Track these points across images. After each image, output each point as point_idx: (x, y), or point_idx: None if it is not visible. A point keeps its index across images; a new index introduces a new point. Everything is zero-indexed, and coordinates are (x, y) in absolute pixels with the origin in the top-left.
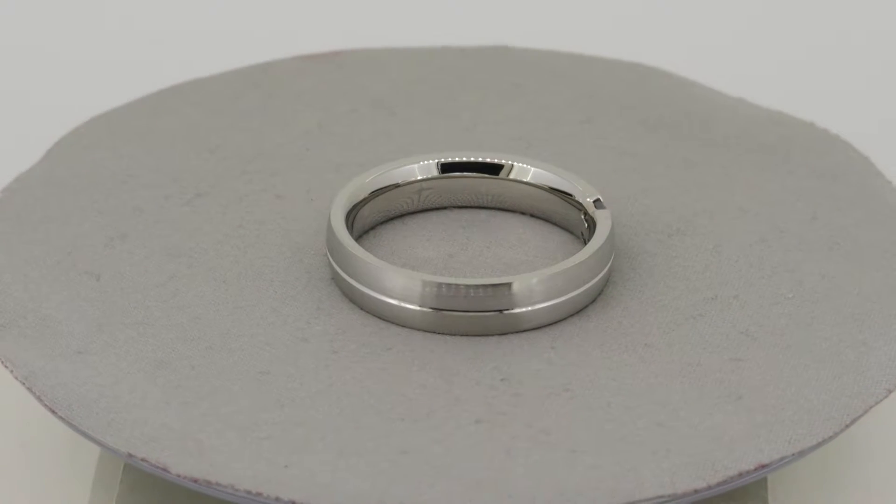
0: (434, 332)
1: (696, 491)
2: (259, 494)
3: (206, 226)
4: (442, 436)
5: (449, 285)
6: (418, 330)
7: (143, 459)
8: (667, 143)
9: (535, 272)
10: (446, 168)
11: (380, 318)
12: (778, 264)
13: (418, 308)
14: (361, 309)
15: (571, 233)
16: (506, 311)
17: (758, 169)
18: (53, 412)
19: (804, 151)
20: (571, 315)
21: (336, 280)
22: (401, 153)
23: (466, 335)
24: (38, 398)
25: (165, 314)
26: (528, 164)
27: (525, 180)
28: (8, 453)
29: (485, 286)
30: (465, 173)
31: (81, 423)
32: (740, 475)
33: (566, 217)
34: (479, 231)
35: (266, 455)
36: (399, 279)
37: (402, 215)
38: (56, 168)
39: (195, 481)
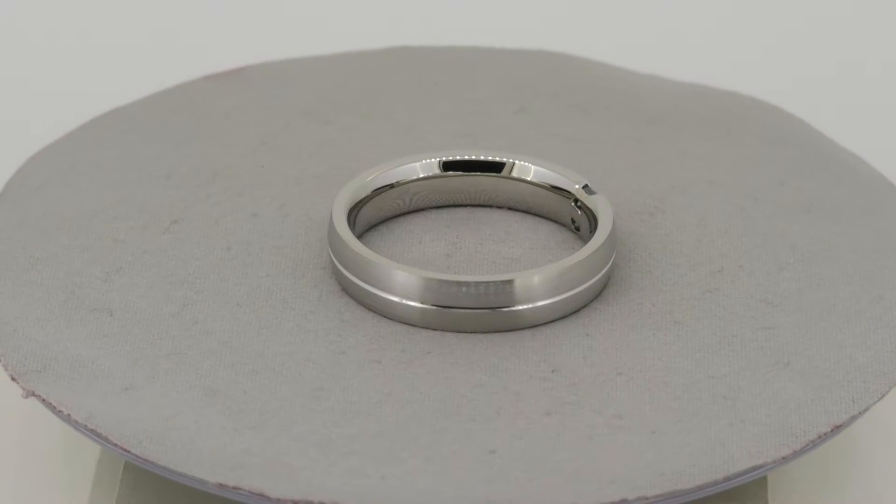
0: (441, 330)
1: (784, 458)
2: None
3: (195, 251)
4: (520, 431)
5: (461, 282)
6: (422, 328)
7: (234, 488)
8: (608, 124)
9: (552, 265)
10: (448, 167)
11: (383, 316)
12: (766, 231)
13: (420, 305)
14: (365, 307)
15: (560, 223)
16: (519, 307)
17: (707, 141)
18: (126, 451)
19: (743, 120)
20: (582, 307)
21: (337, 278)
22: (354, 161)
23: (488, 332)
24: (105, 439)
25: (195, 342)
26: (528, 162)
27: (528, 179)
28: (8, 453)
29: (495, 282)
30: (467, 172)
31: (160, 459)
32: (820, 438)
33: (557, 209)
34: (481, 229)
35: (357, 469)
36: (404, 277)
37: (403, 214)
38: (17, 210)
39: (296, 503)
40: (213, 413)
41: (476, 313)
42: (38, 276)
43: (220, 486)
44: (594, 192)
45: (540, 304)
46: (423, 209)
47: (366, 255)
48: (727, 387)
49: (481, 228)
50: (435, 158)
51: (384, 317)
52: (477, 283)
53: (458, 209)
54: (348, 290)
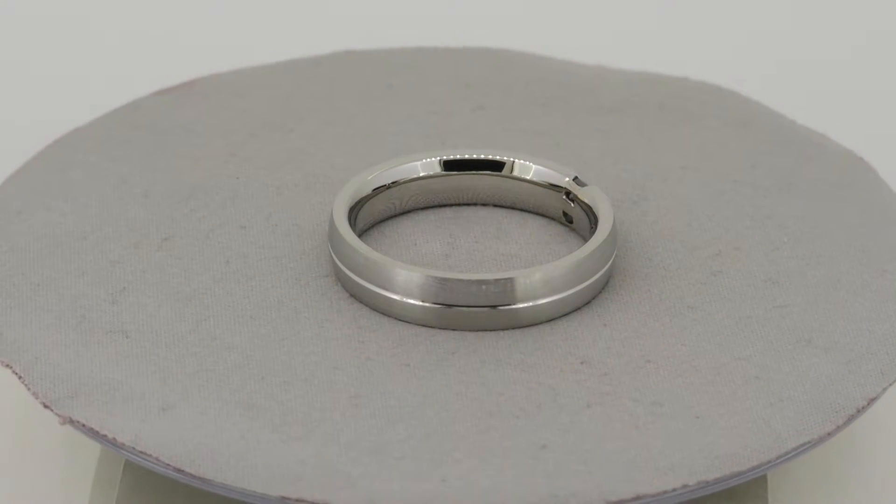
0: (460, 330)
1: (829, 434)
2: None
3: (194, 266)
4: (566, 424)
5: (480, 281)
6: (440, 328)
7: (297, 500)
8: (568, 116)
9: (566, 258)
10: (449, 165)
11: (385, 314)
12: (752, 212)
13: (435, 306)
14: (377, 311)
15: (549, 217)
16: (540, 301)
17: (671, 127)
18: (180, 471)
19: (701, 105)
20: (593, 298)
21: (344, 283)
22: (328, 167)
23: (507, 329)
24: (157, 460)
25: (220, 358)
26: (529, 161)
27: (527, 177)
28: (8, 453)
29: (513, 279)
30: (468, 171)
31: (217, 476)
32: (858, 412)
33: (547, 203)
34: (473, 227)
35: (415, 473)
36: (406, 275)
37: (404, 212)
38: (4, 235)
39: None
40: (257, 427)
41: (495, 311)
42: (45, 302)
43: (283, 499)
44: (585, 184)
45: (557, 297)
46: (415, 209)
47: (376, 259)
48: (757, 367)
49: (473, 227)
50: (436, 157)
51: (399, 319)
52: (496, 281)
53: (443, 209)
54: (357, 295)
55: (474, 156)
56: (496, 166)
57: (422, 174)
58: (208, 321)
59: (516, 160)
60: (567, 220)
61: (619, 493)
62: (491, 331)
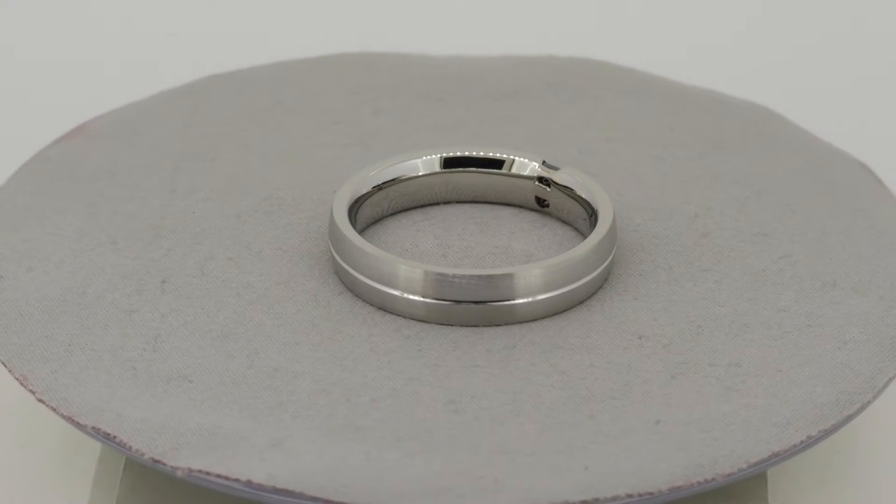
0: (489, 326)
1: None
2: (596, 500)
3: (210, 304)
4: (664, 397)
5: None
6: (428, 322)
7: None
8: (469, 107)
9: (582, 245)
10: (449, 163)
11: (385, 310)
12: (699, 173)
13: (457, 304)
14: (366, 302)
15: (520, 206)
16: (575, 284)
17: (572, 104)
18: (329, 501)
19: (584, 79)
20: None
21: (339, 273)
22: (275, 188)
23: (491, 325)
24: (301, 495)
25: (294, 387)
26: (528, 160)
27: (524, 174)
28: (8, 453)
29: (494, 276)
30: (469, 168)
31: (369, 500)
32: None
33: (516, 191)
34: (483, 225)
35: (555, 466)
36: (405, 270)
37: (404, 210)
38: (6, 302)
39: None
40: (375, 447)
41: (523, 303)
42: (86, 360)
43: None
44: (557, 168)
45: (590, 276)
46: (424, 205)
47: (360, 245)
48: (803, 316)
49: (466, 223)
50: (436, 155)
51: (418, 321)
52: (523, 273)
53: (436, 207)
54: (360, 293)
55: (474, 153)
56: (496, 164)
57: (422, 172)
58: (259, 355)
59: (516, 158)
60: (544, 205)
61: (756, 453)
62: (525, 322)
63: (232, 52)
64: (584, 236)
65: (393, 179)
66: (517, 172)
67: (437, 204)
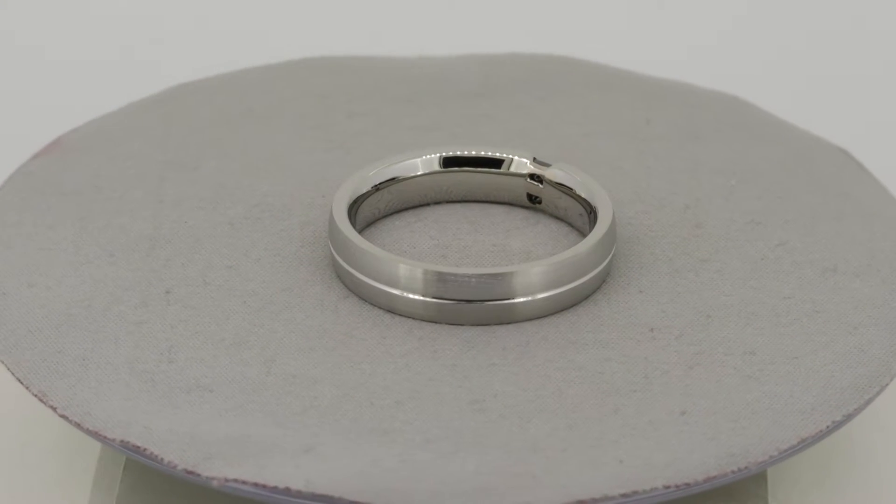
0: (445, 324)
1: None
2: (635, 493)
3: (217, 313)
4: (685, 388)
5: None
6: (477, 325)
7: None
8: (444, 107)
9: (584, 242)
10: (448, 162)
11: (394, 312)
12: (682, 164)
13: (432, 300)
14: (373, 305)
15: (512, 204)
16: (532, 297)
17: (545, 100)
18: (328, 498)
19: (553, 75)
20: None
21: (342, 277)
22: (263, 195)
23: (502, 324)
24: (339, 500)
25: (317, 393)
26: (527, 159)
27: (523, 172)
28: (8, 453)
29: (494, 275)
30: (466, 168)
31: (368, 497)
32: None
33: (508, 189)
34: (483, 224)
35: (590, 461)
36: (415, 272)
37: (398, 211)
38: (4, 321)
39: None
40: (406, 449)
41: (534, 300)
42: (102, 373)
43: None
44: (548, 164)
45: (596, 271)
46: (424, 204)
47: (360, 244)
48: (809, 303)
49: (459, 223)
50: (436, 154)
51: (428, 321)
52: (533, 270)
53: (428, 207)
54: (378, 301)
55: (473, 153)
56: (494, 164)
57: (421, 171)
58: (275, 363)
59: (515, 157)
60: (536, 201)
61: (785, 440)
62: (536, 319)
63: (184, 59)
64: (579, 231)
65: (391, 179)
66: (508, 170)
67: (429, 204)
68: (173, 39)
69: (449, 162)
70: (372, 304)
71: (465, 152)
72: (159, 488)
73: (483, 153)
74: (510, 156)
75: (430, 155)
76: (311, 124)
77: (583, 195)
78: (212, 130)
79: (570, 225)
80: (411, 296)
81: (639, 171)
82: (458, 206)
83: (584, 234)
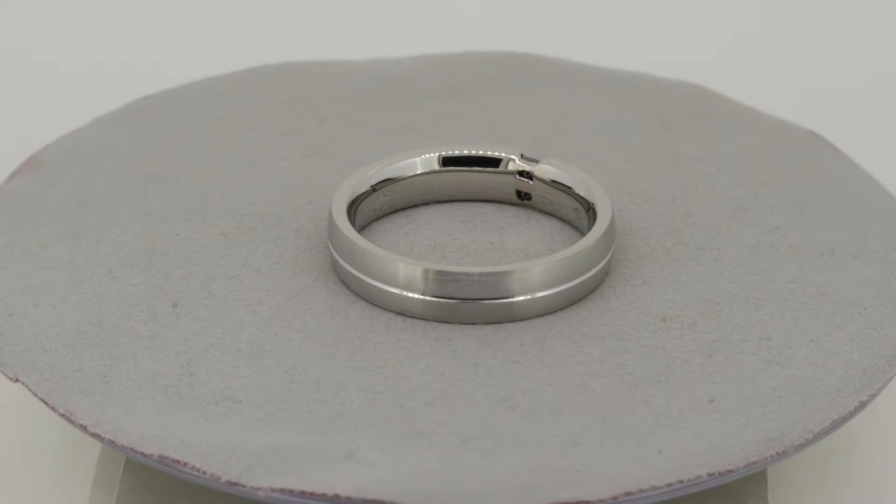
0: (503, 322)
1: None
2: (681, 482)
3: (229, 324)
4: (708, 376)
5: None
6: (426, 320)
7: None
8: (412, 109)
9: (585, 239)
10: (447, 162)
11: (385, 308)
12: (662, 154)
13: (446, 301)
14: (383, 308)
15: (500, 202)
16: (585, 276)
17: (509, 97)
18: (379, 502)
19: (511, 72)
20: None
21: (337, 271)
22: (250, 205)
23: (514, 321)
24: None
25: (346, 399)
26: (514, 156)
27: (504, 169)
28: (8, 453)
29: (507, 272)
30: (467, 167)
31: (418, 500)
32: None
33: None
34: (475, 223)
35: (629, 454)
36: (406, 269)
37: (403, 209)
38: (13, 341)
39: (615, 498)
40: (445, 450)
41: (544, 296)
42: (126, 389)
43: None
44: (537, 161)
45: (601, 264)
46: (425, 203)
47: (359, 243)
48: (814, 286)
49: (452, 222)
50: (435, 153)
51: (441, 322)
52: (542, 266)
53: (419, 208)
54: (388, 304)
55: (472, 152)
56: (493, 163)
57: (420, 171)
58: (298, 370)
59: (514, 157)
60: (525, 198)
61: (817, 423)
62: (543, 315)
63: (139, 70)
64: (573, 225)
65: (389, 179)
66: (498, 168)
67: (418, 205)
68: (127, 50)
69: (448, 161)
70: (381, 307)
71: (465, 152)
72: (159, 488)
73: (482, 153)
74: (510, 155)
75: (430, 154)
76: (283, 131)
77: (578, 190)
78: (186, 142)
79: (562, 220)
80: (425, 297)
81: (619, 164)
82: (446, 206)
83: (578, 229)
